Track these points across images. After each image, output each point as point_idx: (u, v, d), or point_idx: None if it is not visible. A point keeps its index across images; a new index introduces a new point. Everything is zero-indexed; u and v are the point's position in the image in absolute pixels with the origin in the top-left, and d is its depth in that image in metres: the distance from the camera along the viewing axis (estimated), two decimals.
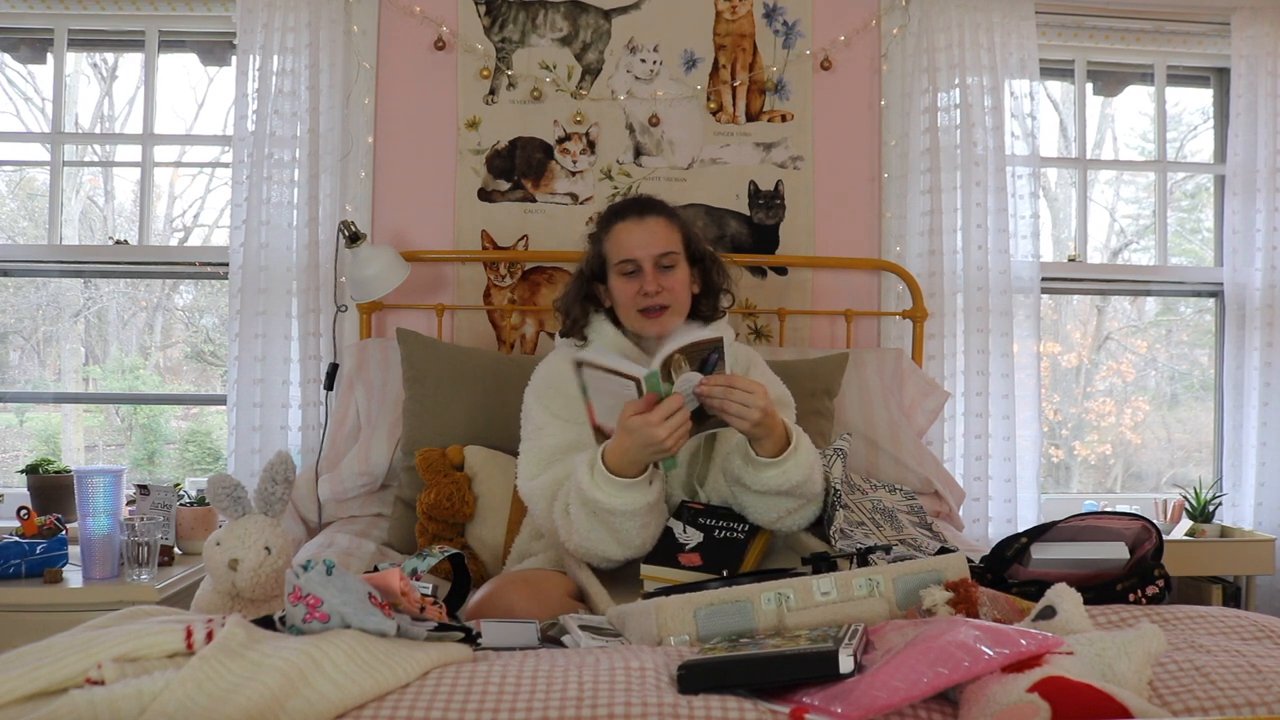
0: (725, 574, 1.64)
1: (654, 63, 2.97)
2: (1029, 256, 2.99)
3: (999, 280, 2.94)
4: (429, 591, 1.32)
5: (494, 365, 2.46)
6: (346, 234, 2.67)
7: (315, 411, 2.78)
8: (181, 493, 2.51)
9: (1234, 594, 2.93)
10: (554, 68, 2.95)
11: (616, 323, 1.99)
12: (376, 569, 1.28)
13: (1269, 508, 3.07)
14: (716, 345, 1.63)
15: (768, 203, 2.99)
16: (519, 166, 2.94)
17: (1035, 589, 1.38)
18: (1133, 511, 1.79)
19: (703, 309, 2.01)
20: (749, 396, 1.62)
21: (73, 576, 2.17)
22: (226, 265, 2.82)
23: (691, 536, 1.75)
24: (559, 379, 1.94)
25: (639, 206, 1.98)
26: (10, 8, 2.93)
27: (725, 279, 2.04)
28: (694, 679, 1.04)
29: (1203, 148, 3.52)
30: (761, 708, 1.00)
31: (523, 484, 1.89)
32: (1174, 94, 3.45)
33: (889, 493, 2.19)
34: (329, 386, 2.70)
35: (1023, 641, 1.00)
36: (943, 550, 1.74)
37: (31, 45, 3.09)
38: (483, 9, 2.94)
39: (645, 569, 1.72)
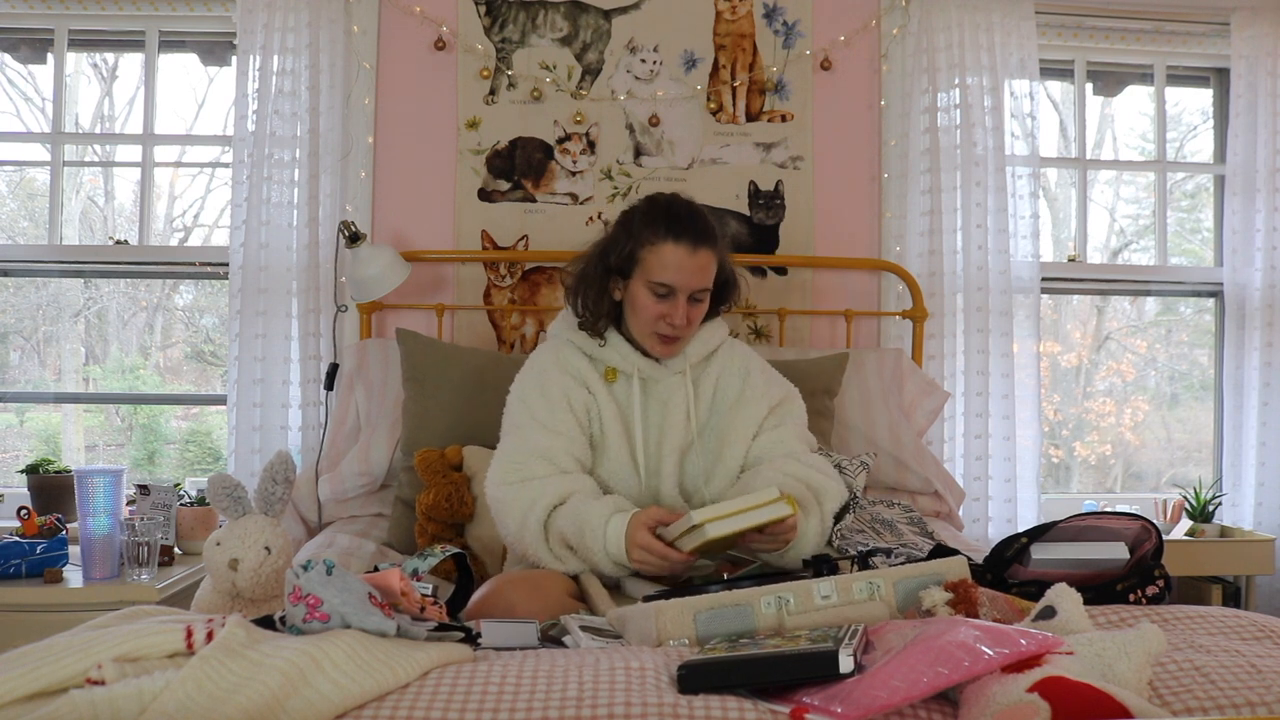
0: (726, 577, 1.64)
1: (654, 63, 2.97)
2: (1029, 256, 2.99)
3: (999, 280, 2.94)
4: (429, 591, 1.31)
5: (494, 365, 2.46)
6: (346, 234, 2.67)
7: (315, 411, 2.78)
8: (181, 493, 2.51)
9: (1234, 594, 2.93)
10: (554, 68, 2.95)
11: (620, 322, 1.96)
12: (376, 569, 1.28)
13: (1269, 508, 3.07)
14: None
15: (768, 203, 2.99)
16: (519, 166, 2.94)
17: (1035, 589, 1.38)
18: (1132, 511, 1.79)
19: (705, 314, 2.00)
20: (782, 538, 1.72)
21: (73, 576, 2.17)
22: (226, 265, 2.82)
23: None
24: (545, 379, 1.93)
25: (695, 234, 1.86)
26: (10, 8, 2.93)
27: (736, 295, 2.02)
28: (694, 679, 1.04)
29: (1202, 148, 3.52)
30: (761, 708, 1.00)
31: (492, 488, 1.86)
32: (1174, 94, 3.45)
33: (887, 507, 2.20)
34: (329, 386, 2.70)
35: (1023, 641, 1.00)
36: (938, 548, 1.73)
37: (31, 45, 3.09)
38: (483, 9, 2.94)
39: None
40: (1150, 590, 1.49)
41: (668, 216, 1.88)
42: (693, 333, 1.94)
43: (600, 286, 1.93)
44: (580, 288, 1.96)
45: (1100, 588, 1.48)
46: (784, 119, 3.01)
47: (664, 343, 1.90)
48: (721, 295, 1.99)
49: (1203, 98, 3.44)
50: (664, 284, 1.85)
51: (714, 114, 2.99)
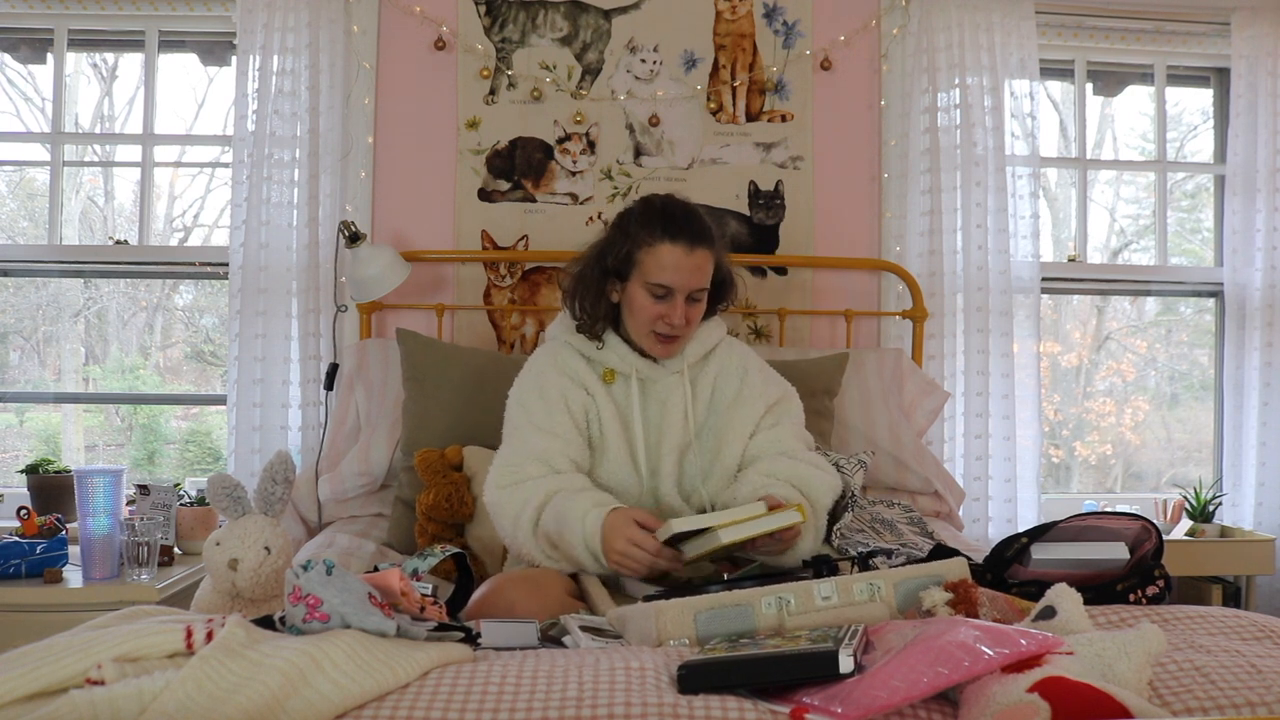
0: (726, 577, 1.64)
1: (654, 63, 2.97)
2: (1029, 256, 2.99)
3: (999, 280, 2.94)
4: (429, 591, 1.32)
5: (494, 365, 2.46)
6: (346, 234, 2.67)
7: (315, 411, 2.78)
8: (181, 493, 2.51)
9: (1234, 594, 2.93)
10: (554, 68, 2.95)
11: (618, 324, 1.96)
12: (376, 569, 1.28)
13: (1269, 508, 3.07)
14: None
15: (768, 203, 2.99)
16: (519, 166, 2.94)
17: (1035, 589, 1.38)
18: (1133, 511, 1.79)
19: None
20: (785, 540, 1.74)
21: (73, 576, 2.17)
22: (226, 265, 2.82)
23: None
24: (543, 381, 1.93)
25: (691, 234, 1.85)
26: (10, 8, 2.93)
27: (733, 294, 2.02)
28: (694, 679, 1.04)
29: (1203, 148, 3.52)
30: (761, 708, 1.00)
31: (489, 492, 1.87)
32: (1174, 94, 3.45)
33: (887, 507, 2.20)
34: (329, 386, 2.70)
35: (1023, 641, 1.00)
36: (938, 548, 1.73)
37: (31, 45, 3.09)
38: (483, 9, 2.94)
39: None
40: (1150, 590, 1.49)
41: (664, 217, 1.87)
42: (691, 333, 1.94)
43: (598, 289, 1.92)
44: (577, 290, 1.95)
45: (1100, 588, 1.48)
46: (784, 119, 3.00)
47: (662, 343, 1.90)
48: (719, 295, 1.99)
49: (1203, 98, 3.44)
50: (661, 285, 1.85)
51: (714, 114, 2.99)
